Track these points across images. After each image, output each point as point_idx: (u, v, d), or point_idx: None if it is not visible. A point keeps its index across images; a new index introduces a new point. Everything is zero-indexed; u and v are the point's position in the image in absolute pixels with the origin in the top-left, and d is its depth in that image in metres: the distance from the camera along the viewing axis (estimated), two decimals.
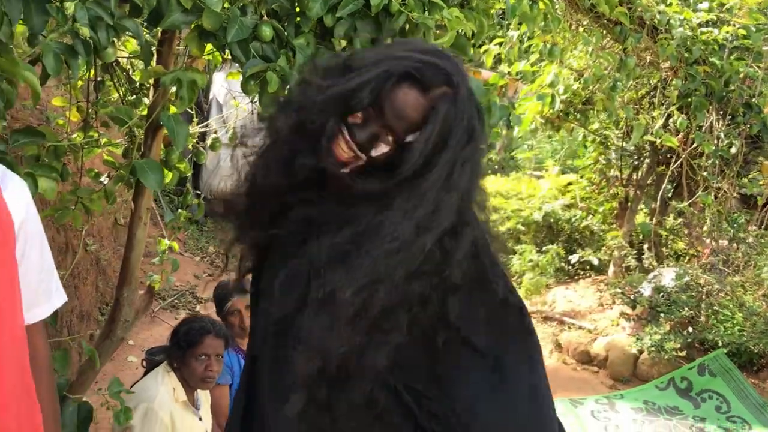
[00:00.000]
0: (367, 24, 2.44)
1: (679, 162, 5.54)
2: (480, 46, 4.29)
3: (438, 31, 2.59)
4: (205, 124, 3.83)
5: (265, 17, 2.37)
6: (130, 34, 2.17)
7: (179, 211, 3.44)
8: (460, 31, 2.66)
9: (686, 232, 6.27)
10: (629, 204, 6.74)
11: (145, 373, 2.95)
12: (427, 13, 2.46)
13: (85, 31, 1.92)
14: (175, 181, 3.02)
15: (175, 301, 6.48)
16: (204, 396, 2.98)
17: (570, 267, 7.25)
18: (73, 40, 1.94)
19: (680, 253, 6.34)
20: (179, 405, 2.71)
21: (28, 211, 1.39)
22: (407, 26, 2.48)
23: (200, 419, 2.86)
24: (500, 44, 4.46)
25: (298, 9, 2.40)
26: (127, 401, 2.67)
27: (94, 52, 2.01)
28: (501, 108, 2.92)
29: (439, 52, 1.31)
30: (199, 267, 7.87)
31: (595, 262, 6.92)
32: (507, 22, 2.95)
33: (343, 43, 2.46)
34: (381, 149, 1.27)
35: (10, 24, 1.79)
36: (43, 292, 1.46)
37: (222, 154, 10.06)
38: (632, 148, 6.46)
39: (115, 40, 2.16)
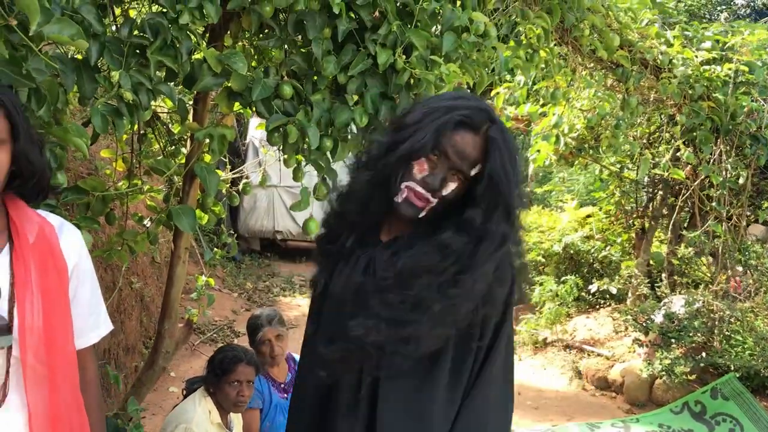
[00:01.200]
0: (376, 80, 2.73)
1: (688, 193, 5.72)
2: (487, 92, 4.55)
3: (441, 83, 2.86)
4: (238, 170, 4.12)
5: (286, 77, 2.67)
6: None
7: (215, 249, 3.74)
8: (460, 82, 2.95)
9: (708, 262, 6.41)
10: (645, 234, 6.89)
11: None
12: (428, 69, 2.74)
13: (129, 95, 2.21)
14: (213, 222, 3.29)
15: (214, 335, 6.77)
16: (236, 419, 3.23)
17: (590, 296, 7.40)
18: (118, 103, 2.24)
19: (698, 280, 6.46)
20: (214, 426, 2.98)
21: (80, 255, 1.70)
22: (411, 81, 2.76)
23: None
24: (509, 87, 4.73)
25: (314, 69, 2.67)
26: (167, 422, 2.97)
27: (136, 111, 2.32)
28: None
29: (469, 95, 1.67)
30: (237, 303, 8.17)
31: (614, 291, 7.06)
32: (499, 74, 3.19)
33: (355, 97, 2.74)
34: (450, 188, 1.60)
35: (65, 92, 2.08)
36: (92, 323, 1.76)
37: (257, 195, 10.48)
38: (646, 180, 6.66)
39: (153, 101, 2.47)
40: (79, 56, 2.20)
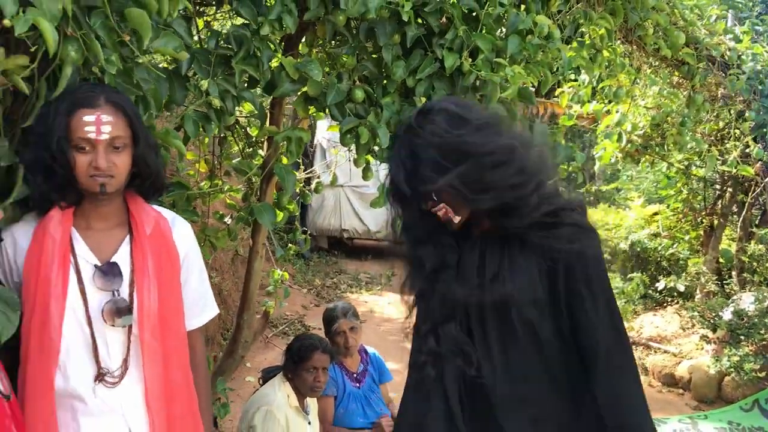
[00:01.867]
0: (443, 83, 2.84)
1: (759, 190, 5.65)
2: (549, 93, 4.62)
3: (506, 84, 2.96)
4: (310, 170, 4.30)
5: (357, 82, 2.81)
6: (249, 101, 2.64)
7: (289, 245, 3.94)
8: (525, 83, 3.04)
9: None
10: (714, 232, 6.81)
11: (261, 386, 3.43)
12: (493, 71, 2.85)
13: (216, 102, 2.40)
14: (285, 220, 3.47)
15: (286, 328, 7.02)
16: (312, 404, 3.41)
17: (657, 294, 7.34)
18: (207, 109, 2.44)
19: None
20: (292, 410, 3.17)
21: (190, 246, 1.92)
22: (477, 82, 2.88)
23: (309, 423, 3.31)
24: (573, 87, 4.78)
25: (384, 73, 2.81)
26: (249, 405, 3.17)
27: (222, 116, 2.50)
28: (565, 149, 3.27)
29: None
30: (306, 298, 8.41)
31: (681, 288, 7.00)
32: (563, 74, 3.26)
33: (423, 99, 2.86)
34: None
35: (160, 99, 2.29)
36: (201, 306, 1.98)
37: (325, 194, 10.71)
38: (716, 177, 6.59)
39: (238, 107, 2.65)
40: (169, 66, 2.42)
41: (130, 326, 1.73)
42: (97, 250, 1.75)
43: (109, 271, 1.73)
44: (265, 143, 3.12)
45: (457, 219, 1.76)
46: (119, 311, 1.71)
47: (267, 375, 3.49)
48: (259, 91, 2.77)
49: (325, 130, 8.10)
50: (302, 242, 4.21)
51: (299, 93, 2.69)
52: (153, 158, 1.80)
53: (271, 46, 2.51)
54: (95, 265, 1.73)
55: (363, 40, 2.75)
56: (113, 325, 1.71)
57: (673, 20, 4.24)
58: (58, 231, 1.67)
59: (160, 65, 2.48)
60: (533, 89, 3.24)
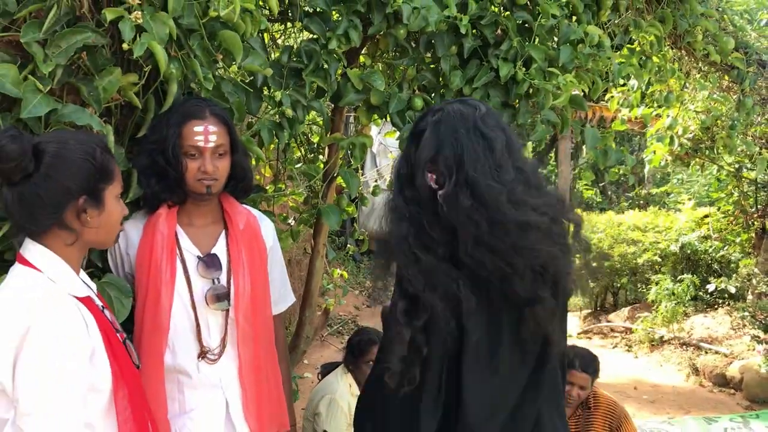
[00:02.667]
0: (498, 91, 2.99)
1: None
2: (599, 99, 4.70)
3: (558, 91, 3.10)
4: (364, 175, 4.44)
5: (417, 91, 2.98)
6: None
7: (348, 245, 4.12)
8: (576, 90, 3.17)
9: None
10: (766, 234, 6.81)
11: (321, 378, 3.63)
12: (546, 79, 2.99)
13: (289, 112, 2.58)
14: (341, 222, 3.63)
15: (340, 328, 7.24)
16: None
17: (708, 296, 7.36)
18: (279, 118, 2.63)
19: None
20: (354, 398, 3.36)
21: (274, 240, 2.15)
22: (530, 90, 3.01)
23: None
24: (623, 92, 4.88)
25: (442, 83, 2.96)
26: (314, 394, 3.37)
27: (293, 124, 2.69)
28: (616, 152, 3.39)
29: None
30: (358, 299, 8.63)
31: (733, 290, 7.00)
32: (614, 81, 3.37)
33: None
34: None
35: (243, 110, 2.48)
36: (282, 295, 2.20)
37: (376, 198, 10.86)
38: (767, 179, 6.59)
39: (307, 116, 2.84)
40: (246, 80, 2.61)
41: (228, 310, 1.96)
42: (199, 244, 1.99)
43: (210, 261, 1.96)
44: (327, 149, 3.27)
45: None
46: (219, 297, 1.94)
47: (326, 371, 3.69)
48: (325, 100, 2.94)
49: (376, 137, 8.30)
50: (359, 243, 4.38)
51: (363, 102, 2.85)
52: (247, 163, 2.06)
53: (337, 58, 2.67)
54: (198, 257, 1.96)
55: (422, 51, 2.91)
56: (215, 309, 1.94)
57: (722, 26, 4.32)
58: (165, 227, 1.91)
59: (238, 78, 2.69)
60: (583, 95, 3.36)
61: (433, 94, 2.99)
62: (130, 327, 1.87)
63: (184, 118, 1.86)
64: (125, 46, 1.67)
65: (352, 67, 2.89)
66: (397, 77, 3.16)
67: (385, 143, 7.55)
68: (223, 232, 2.03)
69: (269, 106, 2.62)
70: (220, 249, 2.00)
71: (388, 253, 1.76)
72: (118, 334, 1.58)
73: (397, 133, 2.96)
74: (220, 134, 1.90)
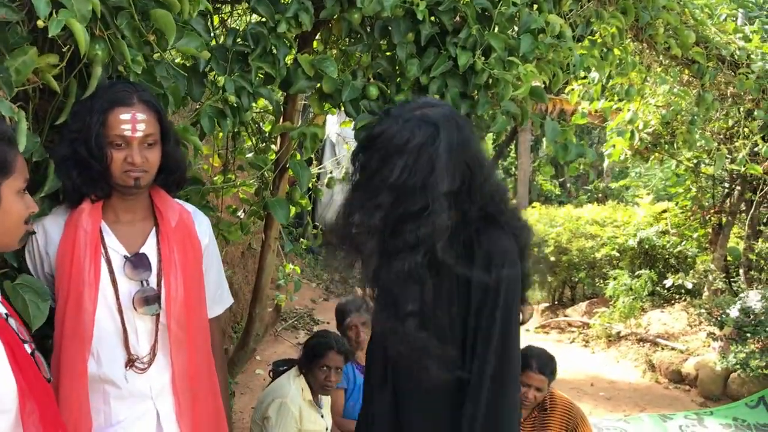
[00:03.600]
0: (456, 81, 2.86)
1: (767, 189, 5.67)
2: (559, 92, 4.64)
3: (518, 82, 3.00)
4: (321, 166, 4.34)
5: (372, 79, 2.84)
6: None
7: (302, 239, 3.98)
8: (536, 81, 3.07)
9: None
10: (722, 230, 6.84)
11: (273, 380, 3.48)
12: (505, 69, 2.88)
13: (232, 98, 2.44)
14: (294, 214, 3.49)
15: (295, 322, 7.08)
16: (326, 397, 3.47)
17: (665, 291, 7.38)
18: (222, 105, 2.48)
19: None
20: (306, 403, 3.23)
21: (210, 237, 2.00)
22: (490, 81, 2.90)
23: (322, 416, 3.36)
24: (583, 84, 4.81)
25: (398, 71, 2.83)
26: (264, 396, 3.23)
27: (238, 112, 2.55)
28: (577, 147, 3.29)
29: None
30: (315, 292, 8.47)
31: (689, 286, 7.03)
32: (575, 72, 3.28)
33: (437, 97, 2.90)
34: None
35: (180, 96, 2.31)
36: (218, 296, 2.05)
37: (334, 190, 10.73)
38: (724, 175, 6.61)
39: (254, 104, 2.69)
40: (187, 63, 2.44)
41: (158, 315, 1.81)
42: (126, 242, 1.83)
43: (138, 262, 1.80)
44: (279, 139, 3.13)
45: None
46: (147, 300, 1.79)
47: (277, 368, 3.54)
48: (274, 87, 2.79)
49: (335, 126, 8.14)
50: (313, 237, 4.25)
51: (315, 90, 2.71)
52: (179, 154, 1.91)
53: (287, 43, 2.54)
54: (125, 256, 1.80)
55: (378, 38, 2.77)
56: (143, 314, 1.79)
57: (683, 19, 4.26)
58: (89, 223, 1.74)
59: (179, 61, 2.53)
60: (544, 86, 3.27)
61: (388, 83, 2.86)
62: (50, 332, 1.71)
63: (110, 105, 1.70)
64: (40, 23, 1.50)
65: (303, 52, 2.74)
66: (353, 64, 3.03)
67: (342, 133, 7.42)
68: (154, 230, 1.87)
69: (212, 93, 2.47)
70: (149, 248, 1.85)
71: None
72: (26, 345, 1.42)
73: (353, 123, 2.83)
74: (149, 123, 1.75)
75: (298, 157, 2.99)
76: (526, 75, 2.87)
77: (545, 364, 3.11)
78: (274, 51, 2.49)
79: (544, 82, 3.23)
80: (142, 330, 1.81)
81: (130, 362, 1.79)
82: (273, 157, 3.15)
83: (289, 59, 2.69)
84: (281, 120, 3.04)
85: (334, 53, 3.09)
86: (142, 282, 1.80)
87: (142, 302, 1.78)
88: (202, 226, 1.98)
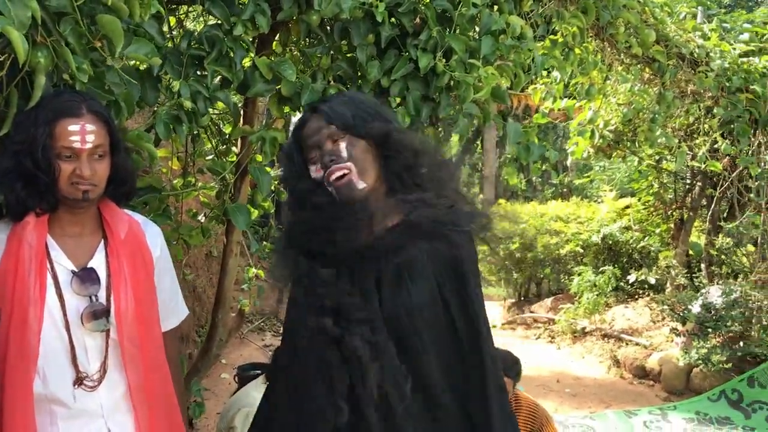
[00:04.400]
0: (417, 83, 2.84)
1: (726, 185, 5.75)
2: (523, 89, 4.64)
3: (479, 84, 2.98)
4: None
5: (332, 82, 2.80)
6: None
7: (264, 243, 3.92)
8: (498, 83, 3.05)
9: (746, 252, 6.44)
10: (684, 225, 6.92)
11: (240, 386, 3.41)
12: (467, 71, 2.86)
13: (188, 104, 2.36)
14: (259, 215, 3.44)
15: (262, 324, 7.01)
16: None
17: (628, 286, 7.45)
18: (178, 110, 2.40)
19: (737, 271, 6.48)
20: None
21: (162, 248, 1.94)
22: (451, 83, 2.88)
23: None
24: (546, 83, 4.82)
25: (359, 74, 2.79)
26: (230, 405, 3.17)
27: (194, 117, 2.49)
28: (539, 147, 3.29)
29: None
30: (281, 293, 8.39)
31: (652, 281, 7.10)
32: (536, 73, 3.28)
33: (398, 100, 2.87)
34: (343, 146, 1.78)
35: (132, 102, 2.24)
36: (172, 309, 1.99)
37: None
38: (686, 171, 6.69)
39: (211, 108, 2.63)
40: (142, 67, 2.35)
41: (108, 330, 1.75)
42: (73, 256, 1.76)
43: (86, 276, 1.74)
44: (239, 141, 3.06)
45: (362, 186, 1.75)
46: (96, 315, 1.72)
47: (243, 372, 3.48)
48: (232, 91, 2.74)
49: None
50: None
51: (273, 93, 2.66)
52: (129, 164, 1.84)
53: (244, 46, 2.48)
54: (72, 271, 1.74)
55: (337, 40, 2.74)
56: (92, 330, 1.72)
57: (643, 18, 4.28)
58: (33, 237, 1.67)
59: (131, 64, 2.46)
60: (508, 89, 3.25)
61: (349, 85, 2.82)
62: None
63: (57, 116, 1.64)
64: None
65: (262, 54, 2.68)
66: (312, 67, 2.98)
67: None
68: (102, 243, 1.81)
69: (167, 98, 2.41)
70: (98, 262, 1.78)
71: None
72: None
73: None
74: (99, 134, 1.69)
75: (260, 159, 2.95)
76: (487, 77, 2.85)
77: (510, 366, 3.10)
78: (231, 54, 2.43)
79: (508, 84, 3.21)
80: (91, 346, 1.74)
81: (79, 380, 1.72)
82: (234, 159, 3.10)
83: (247, 62, 2.64)
84: (242, 123, 2.97)
85: (294, 56, 3.02)
86: (90, 297, 1.73)
87: (91, 317, 1.71)
88: (154, 236, 1.92)
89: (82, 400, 1.73)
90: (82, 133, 1.65)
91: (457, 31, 2.82)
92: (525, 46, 3.08)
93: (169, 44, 2.54)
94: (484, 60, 2.91)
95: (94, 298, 1.74)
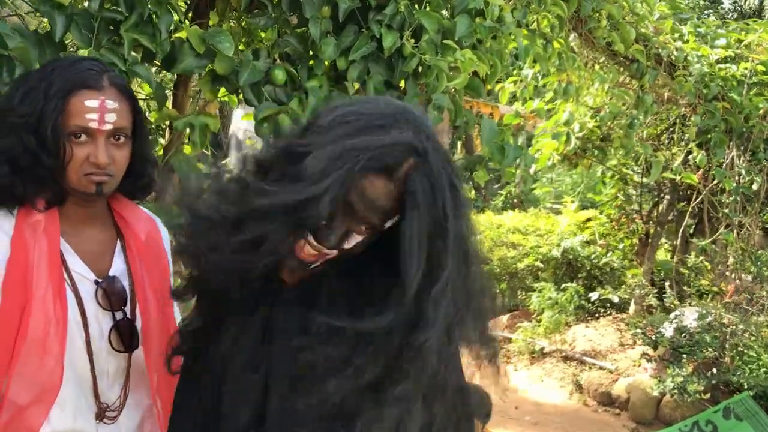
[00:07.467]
0: (380, 67, 2.52)
1: (699, 199, 5.51)
2: (490, 93, 4.33)
3: (452, 73, 2.60)
4: (221, 164, 3.83)
5: (278, 61, 2.43)
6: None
7: None
8: (473, 72, 2.68)
9: (709, 269, 6.20)
10: (650, 240, 6.66)
11: None
12: (440, 55, 2.48)
13: None
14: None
15: None
16: None
17: (590, 305, 7.15)
18: None
19: (703, 290, 6.23)
20: None
21: (171, 255, 1.64)
22: (420, 68, 2.51)
23: None
24: (515, 82, 4.48)
25: (311, 52, 2.45)
26: None
27: None
28: (515, 149, 2.91)
29: (397, 114, 1.12)
30: None
31: (616, 300, 6.83)
32: (521, 61, 2.96)
33: (356, 85, 2.48)
34: (355, 239, 1.15)
35: (30, 60, 1.87)
36: None
37: None
38: (653, 183, 6.42)
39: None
40: (42, 30, 1.99)
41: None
42: (92, 262, 1.48)
43: (112, 288, 1.47)
44: (167, 130, 2.73)
45: (332, 253, 1.15)
46: (123, 335, 1.47)
47: None
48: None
49: (241, 119, 7.57)
50: None
51: (206, 71, 2.29)
52: (150, 153, 1.57)
53: (173, 12, 2.12)
54: (96, 281, 1.46)
55: (286, 11, 2.37)
56: (121, 352, 1.47)
57: (623, 14, 4.00)
58: (44, 240, 1.37)
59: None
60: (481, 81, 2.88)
61: (299, 66, 2.47)
62: None
63: (72, 87, 1.35)
64: None
65: (194, 24, 2.25)
66: (255, 42, 2.59)
67: (247, 128, 6.85)
68: (118, 245, 1.53)
69: None
70: (118, 268, 1.50)
71: None
72: None
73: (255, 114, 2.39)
74: (121, 113, 1.40)
75: (188, 150, 2.54)
76: (464, 62, 2.46)
77: (478, 405, 2.68)
78: (155, 19, 2.06)
79: (485, 74, 2.82)
80: (112, 371, 1.48)
81: (101, 414, 1.46)
82: (161, 150, 2.75)
83: (175, 32, 2.24)
84: (172, 106, 2.60)
85: (232, 27, 2.61)
86: (113, 314, 1.45)
87: (121, 337, 1.46)
88: (168, 240, 1.64)
89: None
90: (101, 111, 1.37)
91: (429, 8, 2.49)
92: (505, 30, 2.71)
93: (78, 3, 2.11)
94: (458, 43, 2.56)
95: (121, 313, 1.47)
